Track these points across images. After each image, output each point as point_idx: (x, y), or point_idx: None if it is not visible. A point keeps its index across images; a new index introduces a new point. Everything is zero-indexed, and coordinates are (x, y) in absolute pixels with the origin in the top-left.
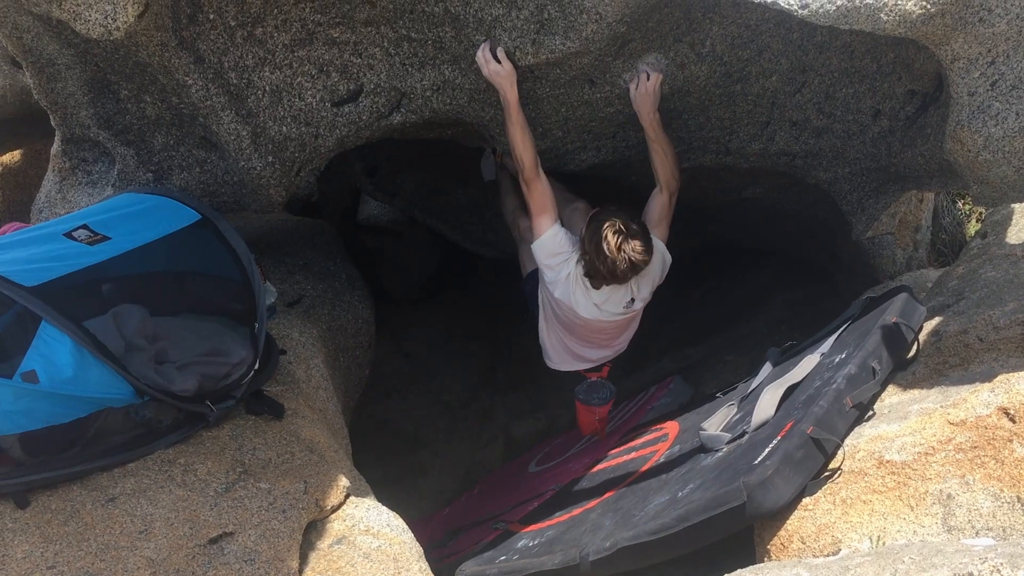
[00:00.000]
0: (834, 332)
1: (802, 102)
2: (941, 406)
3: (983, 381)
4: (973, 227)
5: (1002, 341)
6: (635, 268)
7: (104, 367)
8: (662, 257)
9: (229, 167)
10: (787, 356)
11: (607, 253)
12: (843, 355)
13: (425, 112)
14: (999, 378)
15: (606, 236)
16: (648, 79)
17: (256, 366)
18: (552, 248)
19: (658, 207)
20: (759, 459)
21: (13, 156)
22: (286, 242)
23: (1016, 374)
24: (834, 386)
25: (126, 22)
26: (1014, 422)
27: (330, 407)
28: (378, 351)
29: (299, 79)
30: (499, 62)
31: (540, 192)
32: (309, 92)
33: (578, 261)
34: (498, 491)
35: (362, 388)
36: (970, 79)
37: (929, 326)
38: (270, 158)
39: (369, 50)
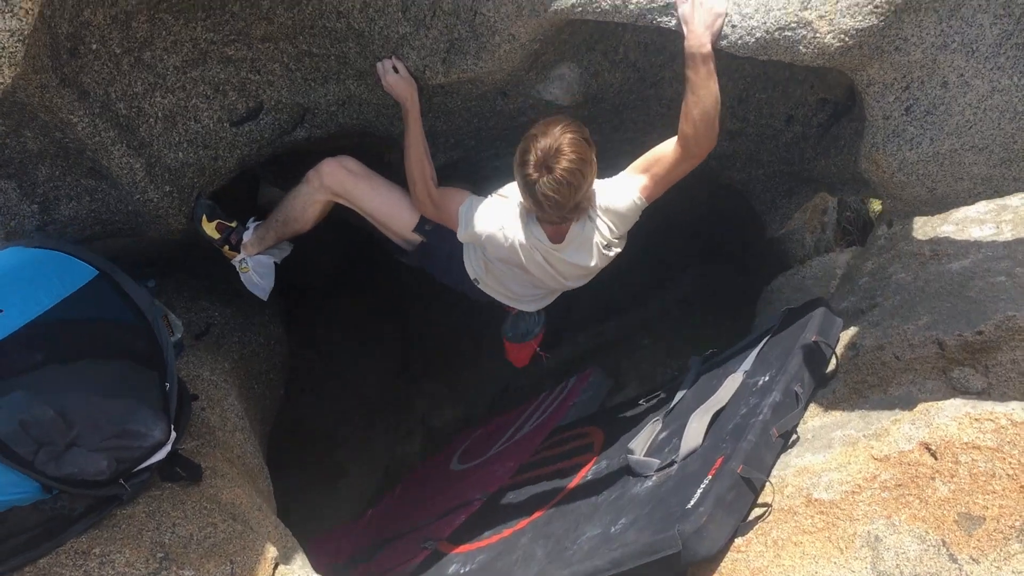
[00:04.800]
0: (755, 346)
1: None
2: (864, 435)
3: (903, 408)
4: (877, 203)
5: (918, 360)
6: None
7: (7, 468)
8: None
9: (123, 196)
10: (709, 366)
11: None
12: (766, 377)
13: (331, 126)
14: (919, 408)
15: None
16: None
17: (171, 442)
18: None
19: (656, 152)
20: (692, 503)
21: None
22: (186, 259)
23: (936, 404)
24: (760, 417)
25: (2, 84)
26: (936, 458)
27: (248, 448)
28: (289, 345)
29: (194, 101)
30: (398, 72)
31: (442, 198)
32: (205, 113)
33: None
34: (421, 493)
35: (277, 408)
36: (885, 103)
37: (846, 336)
38: (167, 188)
39: (268, 66)
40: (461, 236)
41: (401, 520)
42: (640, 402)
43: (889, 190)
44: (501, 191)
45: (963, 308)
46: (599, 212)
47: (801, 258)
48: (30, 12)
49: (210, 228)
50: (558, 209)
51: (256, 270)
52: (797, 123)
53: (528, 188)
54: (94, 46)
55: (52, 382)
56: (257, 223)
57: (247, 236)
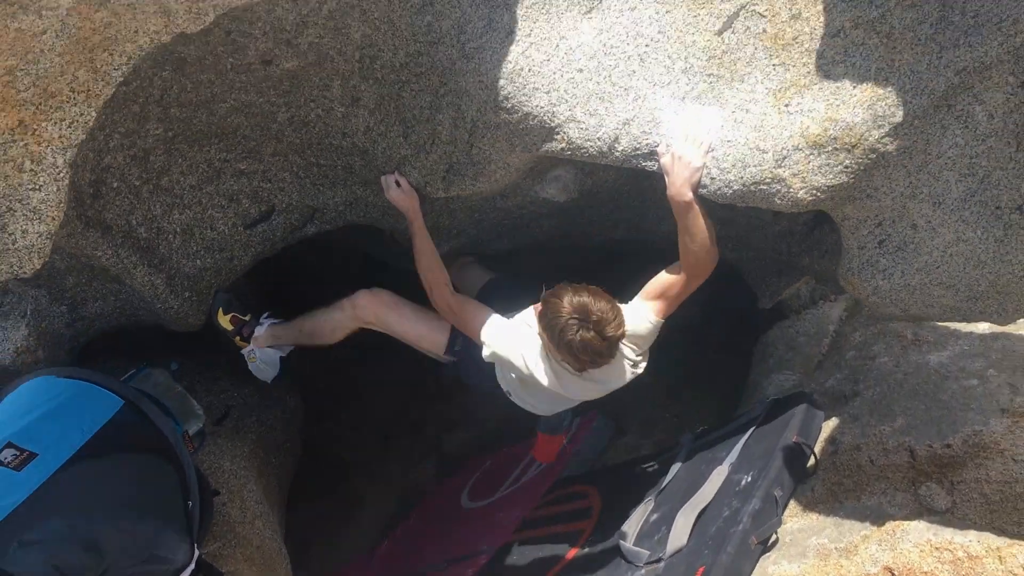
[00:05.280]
0: (742, 434)
1: None
2: (836, 548)
3: (873, 523)
4: None
5: (890, 468)
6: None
7: None
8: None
9: (145, 297)
10: (700, 446)
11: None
12: (748, 477)
13: (339, 222)
14: (887, 527)
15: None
16: (688, 141)
17: (194, 561)
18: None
19: (665, 280)
20: None
21: None
22: (205, 335)
23: (902, 525)
24: (740, 527)
25: (33, 268)
26: None
27: (267, 535)
28: (304, 411)
29: (209, 212)
30: (401, 187)
31: (465, 310)
32: (221, 221)
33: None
34: (433, 528)
35: (295, 467)
36: (860, 235)
37: (828, 427)
38: (187, 294)
39: (278, 175)
40: (485, 357)
41: (414, 556)
42: (636, 469)
43: (865, 305)
44: (527, 319)
45: (936, 414)
46: (624, 340)
47: (797, 308)
48: (56, 218)
49: (224, 321)
50: (592, 364)
51: (263, 360)
52: (784, 219)
53: (566, 345)
54: (115, 184)
55: (84, 491)
56: (272, 321)
57: (259, 331)
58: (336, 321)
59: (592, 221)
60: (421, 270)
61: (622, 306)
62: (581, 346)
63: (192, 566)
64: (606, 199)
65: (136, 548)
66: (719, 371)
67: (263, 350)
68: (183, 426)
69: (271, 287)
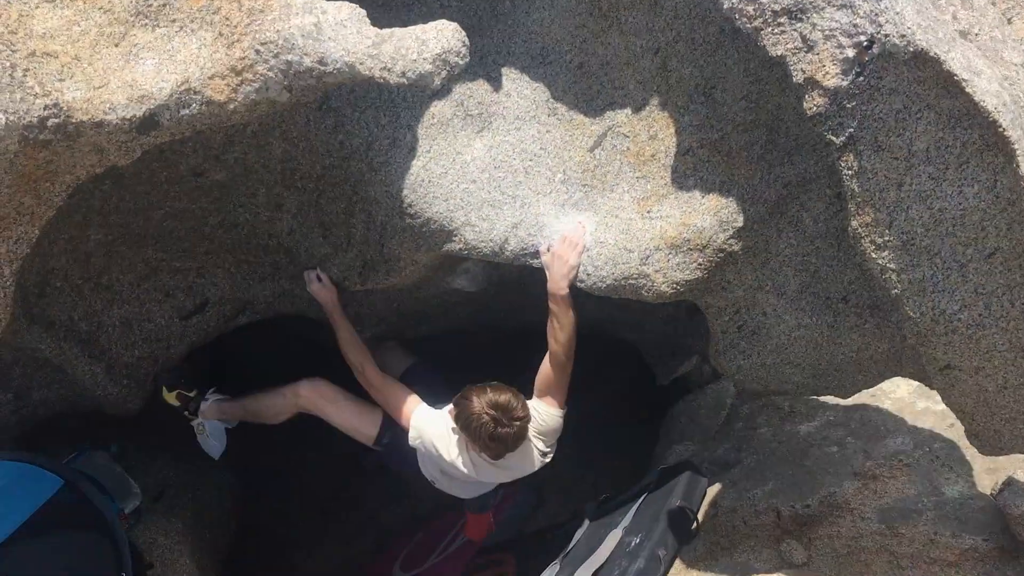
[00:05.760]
0: (635, 501)
1: None
2: None
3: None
4: None
5: (759, 527)
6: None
7: None
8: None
9: (86, 385)
10: (602, 512)
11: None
12: (637, 539)
13: (269, 313)
14: None
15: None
16: (565, 243)
17: None
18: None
19: (544, 376)
20: None
21: None
22: (143, 417)
23: None
24: None
25: None
26: None
27: None
28: (239, 488)
29: (147, 306)
30: (321, 281)
31: (391, 392)
32: (158, 314)
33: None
34: None
35: (229, 546)
36: (722, 321)
37: (712, 492)
38: (125, 381)
39: (211, 271)
40: (411, 441)
41: None
42: (547, 536)
43: (733, 382)
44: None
45: (800, 478)
46: (533, 434)
47: (700, 383)
48: (3, 319)
49: (171, 397)
50: (507, 450)
51: (211, 433)
52: (669, 305)
53: (484, 438)
54: (59, 284)
55: (23, 566)
56: (217, 397)
57: (204, 405)
58: (279, 406)
59: (503, 307)
60: (347, 356)
61: (529, 403)
62: (496, 435)
63: None
64: (513, 287)
65: None
66: (634, 442)
67: (211, 422)
68: (120, 504)
69: (217, 364)
